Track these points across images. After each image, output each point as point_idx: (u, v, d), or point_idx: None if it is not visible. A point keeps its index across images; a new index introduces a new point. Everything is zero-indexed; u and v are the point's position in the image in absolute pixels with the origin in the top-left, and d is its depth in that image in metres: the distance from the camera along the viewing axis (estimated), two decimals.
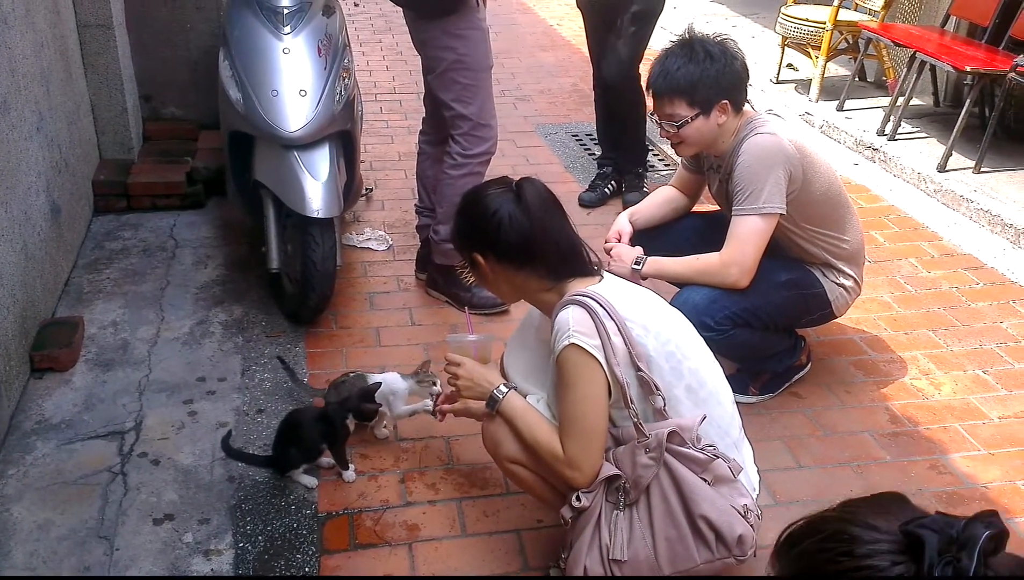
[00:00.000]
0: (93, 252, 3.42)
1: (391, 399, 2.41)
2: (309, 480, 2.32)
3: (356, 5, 7.58)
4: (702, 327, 2.00)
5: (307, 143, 2.82)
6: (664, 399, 1.79)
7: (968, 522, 0.80)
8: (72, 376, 2.70)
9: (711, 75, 2.38)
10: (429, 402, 2.43)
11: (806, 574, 0.87)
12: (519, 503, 2.26)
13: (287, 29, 2.90)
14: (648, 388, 1.78)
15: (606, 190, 3.99)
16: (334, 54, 2.96)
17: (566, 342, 1.76)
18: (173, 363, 2.79)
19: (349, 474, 2.34)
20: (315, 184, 2.79)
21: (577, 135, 4.86)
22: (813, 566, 0.87)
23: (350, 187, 3.16)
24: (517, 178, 1.96)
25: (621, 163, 4.05)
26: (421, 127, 3.34)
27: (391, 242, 3.61)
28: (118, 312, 3.04)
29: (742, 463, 1.86)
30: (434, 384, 2.42)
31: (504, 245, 1.88)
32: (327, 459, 2.35)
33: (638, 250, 2.59)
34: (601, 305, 1.78)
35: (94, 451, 2.39)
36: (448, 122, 3.00)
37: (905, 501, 0.90)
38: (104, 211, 3.71)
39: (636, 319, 1.80)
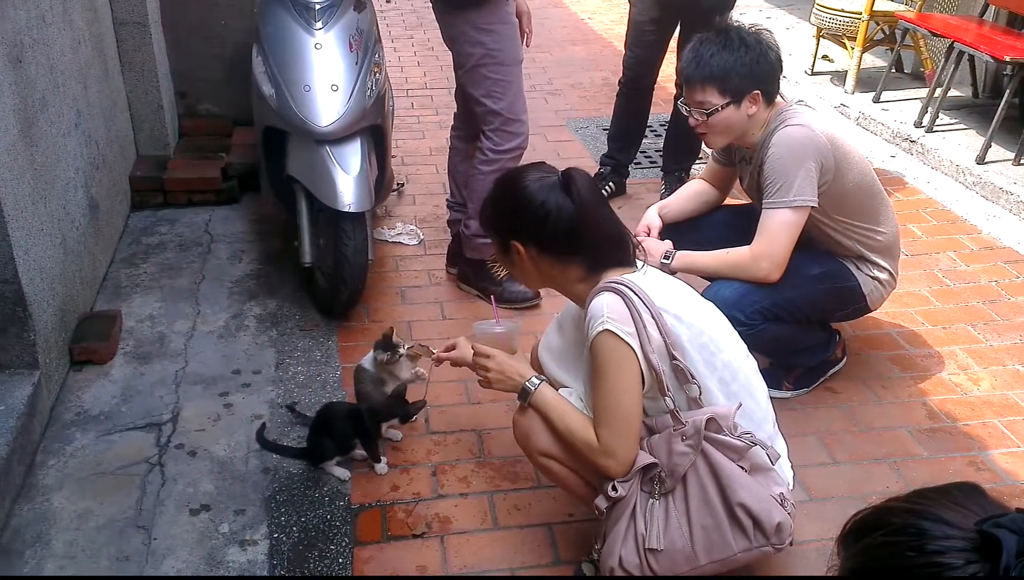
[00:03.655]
0: (130, 247, 3.47)
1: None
2: (342, 472, 2.34)
3: (388, 1, 7.61)
4: (733, 321, 1.98)
5: (339, 138, 2.84)
6: (700, 388, 1.78)
7: None
8: (110, 369, 2.74)
9: (745, 64, 2.36)
10: (422, 370, 2.44)
11: (871, 568, 0.82)
12: (550, 497, 2.26)
13: (319, 25, 2.92)
14: (683, 377, 1.77)
15: (604, 191, 3.92)
16: (365, 49, 2.97)
17: (600, 328, 1.75)
18: (209, 356, 2.83)
19: (381, 467, 2.35)
20: (347, 178, 2.81)
21: (607, 129, 4.82)
22: (879, 559, 0.81)
23: (381, 182, 3.17)
24: (543, 165, 1.95)
25: (667, 162, 4.02)
26: (452, 122, 3.34)
27: (422, 237, 3.62)
28: (155, 306, 3.09)
29: (778, 452, 1.85)
30: (400, 352, 2.40)
31: (550, 236, 1.86)
32: (360, 452, 2.37)
33: (668, 244, 2.57)
34: (636, 293, 1.78)
35: (132, 442, 2.43)
36: (479, 117, 3.00)
37: (980, 493, 0.84)
38: (141, 206, 3.77)
39: (670, 309, 1.79)
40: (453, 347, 2.20)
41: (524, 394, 1.93)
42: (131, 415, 2.54)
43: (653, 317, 1.77)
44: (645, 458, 1.80)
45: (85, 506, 2.21)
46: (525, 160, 3.05)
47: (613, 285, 1.81)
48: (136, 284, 3.22)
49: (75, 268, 2.88)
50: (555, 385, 1.97)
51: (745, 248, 2.45)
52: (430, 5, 3.00)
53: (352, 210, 2.79)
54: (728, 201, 2.84)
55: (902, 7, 5.16)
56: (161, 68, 3.93)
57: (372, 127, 3.00)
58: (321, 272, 3.04)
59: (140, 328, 2.96)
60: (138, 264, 3.35)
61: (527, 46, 3.17)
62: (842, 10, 5.18)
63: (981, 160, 4.12)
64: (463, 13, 2.86)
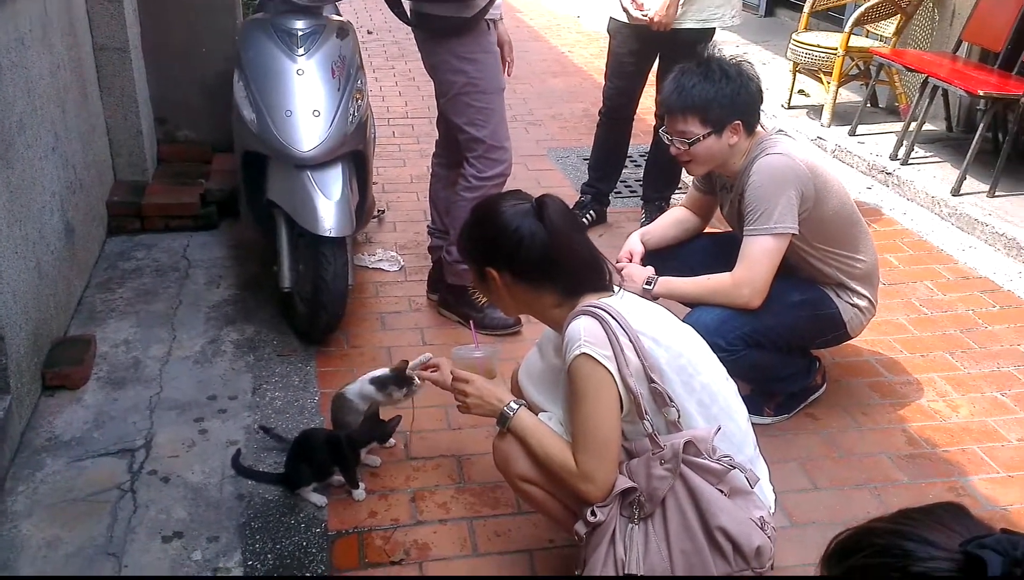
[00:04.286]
0: (106, 272, 3.44)
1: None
2: (319, 498, 2.30)
3: (369, 33, 7.67)
4: (715, 347, 1.98)
5: (320, 163, 2.83)
6: (678, 411, 1.77)
7: None
8: (83, 394, 2.70)
9: (726, 95, 2.38)
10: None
11: None
12: (531, 523, 2.24)
13: (301, 51, 2.92)
14: (661, 400, 1.76)
15: (584, 220, 3.95)
16: (347, 76, 2.98)
17: (577, 352, 1.75)
18: (184, 381, 2.79)
19: (359, 493, 2.32)
20: (328, 203, 2.80)
21: (588, 159, 4.86)
22: None
23: (362, 207, 3.16)
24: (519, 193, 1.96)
25: (647, 191, 4.05)
26: (435, 150, 3.35)
27: (403, 263, 3.61)
28: (130, 331, 3.05)
29: (758, 475, 1.84)
30: (403, 388, 2.37)
31: (524, 262, 1.86)
32: (338, 478, 2.33)
33: (649, 270, 2.58)
34: (613, 317, 1.77)
35: (104, 468, 2.38)
36: (462, 145, 3.01)
37: (965, 513, 0.83)
38: (118, 232, 3.73)
39: (647, 332, 1.79)
40: (436, 367, 2.19)
41: (503, 419, 1.91)
42: (103, 441, 2.49)
43: (630, 340, 1.76)
44: (624, 482, 1.78)
45: (54, 533, 2.15)
46: (507, 188, 3.08)
47: (590, 309, 1.81)
48: (111, 309, 3.18)
49: (49, 292, 2.84)
50: (535, 410, 1.95)
51: (726, 274, 2.46)
52: (411, 36, 3.02)
53: (333, 235, 2.78)
54: (709, 229, 2.85)
55: (877, 43, 5.26)
56: (140, 94, 3.91)
57: (354, 153, 3.00)
58: (300, 298, 3.02)
59: (114, 353, 2.91)
60: (114, 289, 3.31)
61: (509, 75, 3.19)
62: (818, 46, 5.26)
63: (956, 192, 4.18)
64: (445, 42, 2.88)
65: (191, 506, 2.27)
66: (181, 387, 2.76)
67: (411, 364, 2.37)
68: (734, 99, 2.39)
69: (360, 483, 2.33)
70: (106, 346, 2.94)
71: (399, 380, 2.35)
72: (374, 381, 2.38)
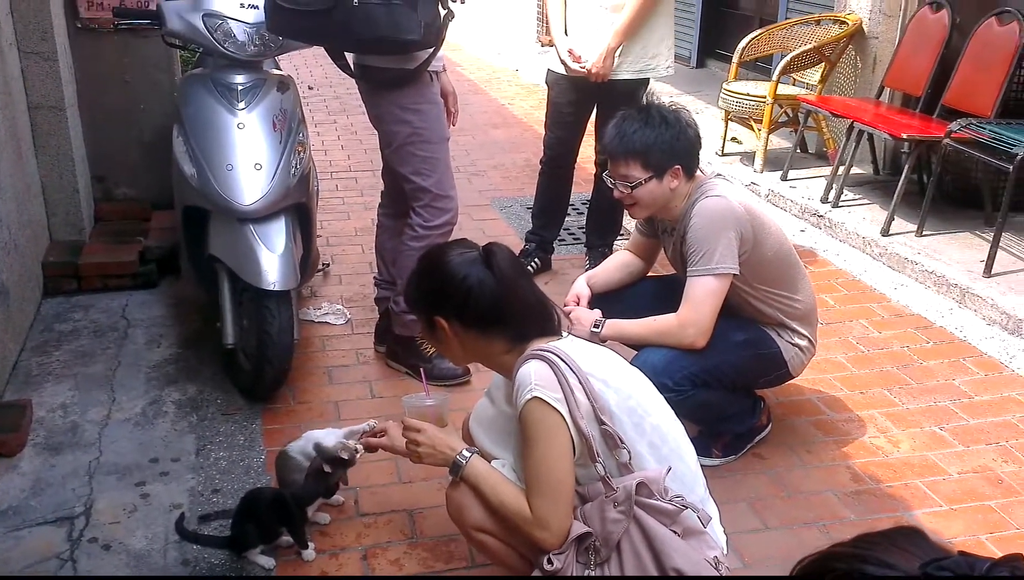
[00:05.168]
0: (42, 334, 3.35)
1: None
2: (267, 561, 2.24)
3: (310, 88, 7.70)
4: (662, 388, 2.01)
5: (263, 216, 2.82)
6: (629, 453, 1.78)
7: (992, 565, 0.75)
8: (19, 461, 2.60)
9: (666, 140, 2.45)
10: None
11: None
12: (486, 576, 2.21)
13: (242, 105, 2.92)
14: (613, 442, 1.77)
15: (530, 267, 3.98)
16: (289, 129, 2.98)
17: (528, 396, 1.75)
18: (124, 444, 2.71)
19: (309, 553, 2.26)
20: (271, 257, 2.78)
21: (531, 207, 4.92)
22: None
23: (307, 261, 3.15)
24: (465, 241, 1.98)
25: (590, 238, 4.11)
26: (380, 201, 3.36)
27: (349, 316, 3.59)
28: (68, 394, 2.96)
29: (710, 514, 1.85)
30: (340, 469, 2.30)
31: (473, 310, 1.87)
32: (286, 538, 2.28)
33: (597, 313, 2.61)
34: (562, 359, 1.79)
35: (42, 538, 2.30)
36: (408, 194, 3.02)
37: (923, 537, 0.85)
38: (54, 293, 3.64)
39: (597, 374, 1.80)
40: (383, 432, 2.15)
41: (455, 468, 1.90)
42: (41, 509, 2.41)
43: (580, 382, 1.78)
44: (579, 528, 1.78)
45: None
46: (453, 237, 3.09)
47: (539, 352, 1.82)
48: (48, 372, 3.09)
49: None
50: (487, 457, 1.94)
51: (672, 315, 2.50)
52: (352, 91, 3.04)
53: (277, 289, 2.75)
54: (653, 272, 2.90)
55: (803, 91, 5.45)
56: (77, 152, 3.86)
57: (297, 206, 2.99)
58: (244, 354, 2.97)
59: (51, 417, 2.83)
60: (50, 351, 3.23)
61: (453, 125, 3.23)
62: (747, 94, 5.44)
63: (886, 232, 4.33)
64: (389, 94, 2.90)
65: (133, 574, 2.19)
66: (121, 451, 2.68)
67: (355, 430, 2.33)
68: (673, 144, 2.46)
69: (309, 543, 2.27)
70: (43, 410, 2.85)
71: (339, 462, 2.27)
72: (318, 450, 2.30)
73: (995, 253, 3.84)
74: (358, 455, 2.24)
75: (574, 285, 2.79)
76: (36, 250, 3.60)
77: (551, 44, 3.83)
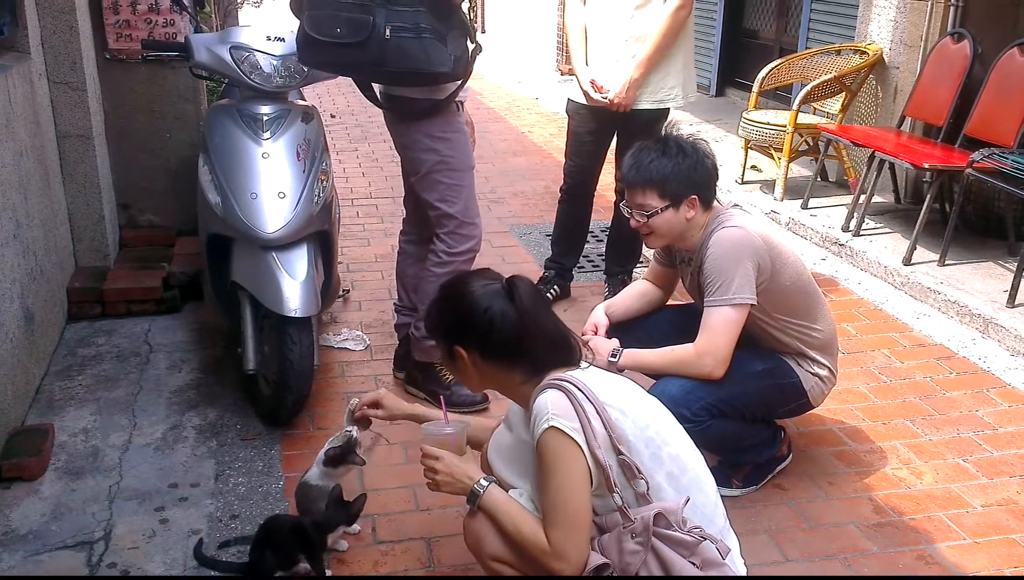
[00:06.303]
0: (66, 359, 3.38)
1: None
2: None
3: (332, 117, 7.79)
4: (679, 418, 2.00)
5: (285, 244, 2.85)
6: (647, 483, 1.77)
7: None
8: (41, 485, 2.63)
9: (682, 170, 2.46)
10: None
11: None
12: None
13: (267, 134, 2.97)
14: (631, 472, 1.76)
15: (549, 295, 4.00)
16: (312, 158, 3.02)
17: (545, 426, 1.75)
18: (144, 470, 2.73)
19: None
20: (293, 284, 2.80)
21: (550, 234, 4.93)
22: None
23: (328, 287, 3.17)
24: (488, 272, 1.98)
25: (609, 266, 4.12)
26: (402, 227, 3.38)
27: (368, 342, 3.60)
28: (89, 419, 2.99)
29: (729, 546, 1.83)
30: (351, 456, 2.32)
31: (494, 343, 1.88)
32: (304, 565, 2.28)
33: (615, 342, 2.61)
34: (579, 389, 1.79)
35: (62, 562, 2.31)
36: (433, 221, 3.05)
37: None
38: (78, 318, 3.69)
39: (614, 403, 1.80)
40: (376, 404, 2.17)
41: (473, 497, 1.90)
42: (61, 534, 2.42)
43: (597, 411, 1.78)
44: (597, 558, 1.77)
45: None
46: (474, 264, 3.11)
47: (556, 382, 1.82)
48: (70, 397, 3.12)
49: (7, 381, 2.79)
50: (505, 486, 1.94)
51: (689, 345, 2.50)
52: (373, 119, 3.08)
53: (298, 315, 2.77)
54: (671, 301, 2.90)
55: (824, 120, 5.45)
56: (103, 180, 3.93)
57: (319, 233, 3.02)
58: (265, 379, 2.99)
59: (73, 442, 2.85)
60: (73, 376, 3.26)
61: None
62: (768, 123, 5.45)
63: (907, 261, 4.30)
64: (417, 123, 2.94)
65: None
66: (141, 475, 2.70)
67: (345, 418, 2.34)
68: (690, 174, 2.47)
69: (327, 570, 2.27)
70: (65, 435, 2.88)
71: (345, 452, 2.31)
72: (326, 462, 2.33)
73: (1019, 283, 3.80)
74: (355, 434, 2.26)
75: (592, 314, 2.79)
76: (62, 276, 3.66)
77: (571, 73, 3.86)
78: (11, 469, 2.63)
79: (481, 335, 1.88)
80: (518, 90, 9.60)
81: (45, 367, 3.29)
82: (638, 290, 2.87)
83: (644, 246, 3.47)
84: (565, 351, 1.92)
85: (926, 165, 4.35)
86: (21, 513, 2.50)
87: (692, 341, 2.49)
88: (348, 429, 2.31)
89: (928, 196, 4.41)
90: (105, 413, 3.03)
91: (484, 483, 1.90)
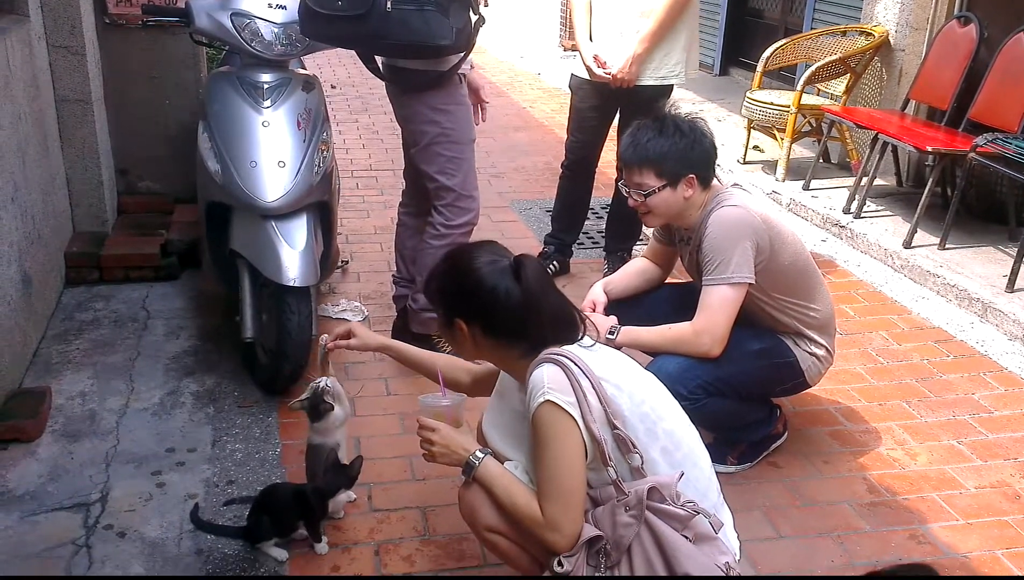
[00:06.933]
0: (63, 323, 3.38)
1: None
2: (280, 553, 2.25)
3: (333, 87, 7.74)
4: (675, 396, 2.00)
5: (285, 213, 2.84)
6: (642, 457, 1.78)
7: None
8: (37, 447, 2.63)
9: (680, 149, 2.45)
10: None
11: None
12: (497, 575, 2.21)
13: (267, 103, 2.95)
14: (625, 446, 1.77)
15: (549, 269, 3.99)
16: (313, 127, 3.00)
17: (541, 399, 1.75)
18: (142, 434, 2.73)
19: (322, 547, 2.27)
20: (292, 253, 2.80)
21: (551, 210, 4.92)
22: None
23: (327, 257, 3.17)
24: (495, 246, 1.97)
25: (609, 243, 4.12)
26: (401, 199, 3.37)
27: (367, 313, 3.60)
28: (87, 383, 2.99)
29: (723, 520, 1.84)
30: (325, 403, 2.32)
31: (499, 321, 1.88)
32: (300, 531, 2.29)
33: (612, 320, 2.61)
34: (576, 363, 1.79)
35: (58, 523, 2.32)
36: (432, 193, 3.04)
37: (934, 576, 0.84)
38: (76, 282, 3.68)
39: (610, 378, 1.80)
40: (347, 334, 2.19)
41: (468, 468, 1.91)
42: (58, 495, 2.43)
43: (593, 386, 1.78)
44: (590, 531, 1.78)
45: None
46: (472, 238, 3.10)
47: (552, 356, 1.82)
48: (68, 361, 3.12)
49: (4, 344, 2.79)
50: (500, 458, 1.95)
51: (687, 324, 2.49)
52: (374, 90, 3.06)
53: (297, 284, 2.77)
54: (670, 279, 2.90)
55: (827, 101, 5.43)
56: (102, 145, 3.90)
57: (319, 203, 3.01)
58: (262, 348, 2.99)
59: (70, 405, 2.86)
60: (70, 340, 3.26)
61: (483, 120, 3.26)
62: (771, 103, 5.42)
63: (908, 244, 4.30)
64: (419, 95, 2.92)
65: (148, 561, 2.21)
66: (138, 440, 2.70)
67: (320, 357, 2.35)
68: (687, 153, 2.46)
69: (323, 536, 2.29)
70: (62, 398, 2.88)
71: (314, 403, 2.31)
72: (310, 414, 2.33)
73: (1018, 268, 3.80)
74: (325, 383, 2.30)
75: (591, 291, 2.79)
76: (59, 241, 3.64)
77: (574, 49, 3.83)
78: (8, 431, 2.63)
79: (485, 312, 1.88)
80: (520, 65, 9.54)
81: (43, 331, 3.28)
82: (637, 268, 2.87)
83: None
84: (567, 330, 1.91)
85: (929, 148, 4.33)
86: (18, 474, 2.51)
87: (690, 319, 2.49)
88: (317, 381, 2.32)
89: (930, 180, 4.40)
90: (103, 377, 3.03)
91: (480, 455, 1.90)
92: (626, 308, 2.73)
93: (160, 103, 4.15)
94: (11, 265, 2.92)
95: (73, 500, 2.41)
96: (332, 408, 2.32)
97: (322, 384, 2.31)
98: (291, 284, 2.76)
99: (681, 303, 2.64)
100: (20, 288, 3.00)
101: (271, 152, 2.86)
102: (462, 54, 2.88)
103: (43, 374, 3.03)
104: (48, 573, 2.14)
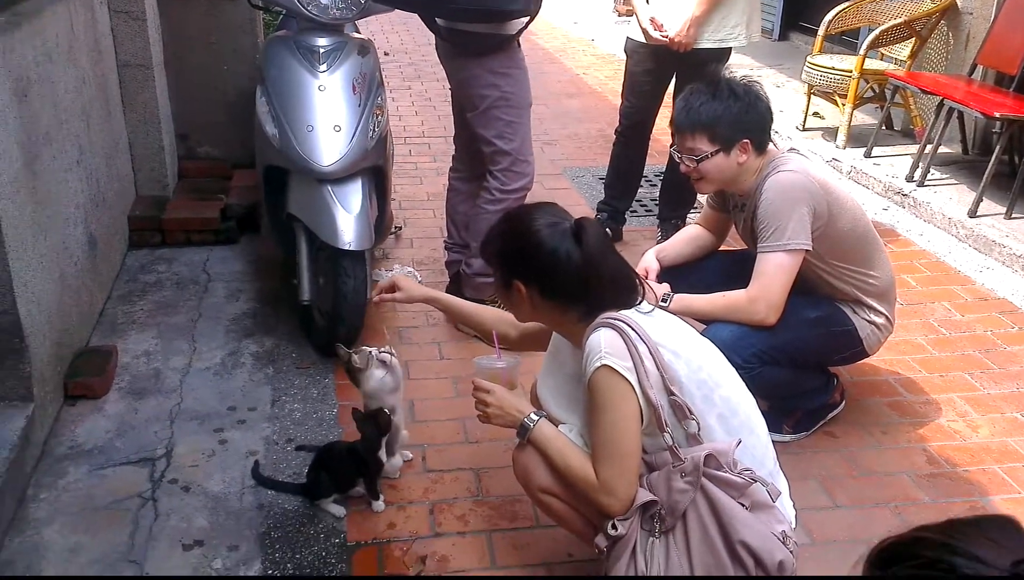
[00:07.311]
0: (127, 284, 3.47)
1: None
2: (337, 509, 2.31)
3: (386, 54, 7.75)
4: (730, 363, 1.98)
5: (341, 177, 2.86)
6: (698, 423, 1.77)
7: None
8: (105, 403, 2.72)
9: (733, 113, 2.40)
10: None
11: None
12: (549, 536, 2.24)
13: (323, 67, 2.96)
14: (682, 413, 1.76)
15: None
16: (368, 92, 3.01)
17: (598, 364, 1.75)
18: (204, 392, 2.81)
19: (379, 504, 2.32)
20: (347, 217, 2.83)
21: (603, 178, 4.88)
22: None
23: (381, 222, 3.19)
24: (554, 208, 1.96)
25: (662, 210, 4.08)
26: (452, 164, 3.37)
27: (420, 278, 3.63)
28: (151, 342, 3.07)
29: (779, 489, 1.83)
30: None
31: (558, 284, 1.87)
32: (358, 489, 2.34)
33: (665, 287, 2.58)
34: (633, 328, 1.78)
35: (125, 477, 2.40)
36: (487, 158, 3.04)
37: (1017, 529, 0.79)
38: (139, 245, 3.77)
39: (667, 344, 1.79)
40: (392, 287, 2.24)
41: (523, 430, 1.92)
42: (125, 450, 2.51)
43: (650, 351, 1.77)
44: (645, 495, 1.78)
45: (77, 540, 2.17)
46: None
47: (610, 321, 1.81)
48: (132, 321, 3.21)
49: (72, 303, 2.87)
50: (554, 421, 1.96)
51: (742, 291, 2.46)
52: (427, 57, 3.06)
53: (352, 248, 2.80)
54: (724, 246, 2.86)
55: (891, 66, 5.27)
56: (163, 110, 3.97)
57: (373, 168, 3.03)
58: (319, 311, 3.04)
59: (135, 364, 2.94)
60: (135, 301, 3.35)
61: None
62: (832, 68, 5.29)
63: (973, 213, 4.18)
64: (480, 58, 2.91)
65: (211, 515, 2.28)
66: (201, 398, 2.78)
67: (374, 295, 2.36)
68: (742, 117, 2.41)
69: (380, 494, 2.33)
70: (127, 357, 2.97)
71: (349, 370, 2.37)
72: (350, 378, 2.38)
73: None
74: (368, 351, 2.33)
75: (643, 258, 2.76)
76: (123, 204, 3.73)
77: (629, 14, 3.78)
78: (77, 387, 2.72)
79: (544, 274, 1.87)
80: (574, 31, 9.42)
81: (108, 292, 3.37)
82: (690, 235, 2.84)
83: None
84: (627, 294, 1.89)
85: (997, 115, 4.19)
86: (86, 429, 2.60)
87: (744, 287, 2.46)
88: (361, 349, 2.37)
89: (997, 147, 4.26)
90: (166, 337, 3.11)
91: (534, 417, 1.91)
92: (679, 275, 2.70)
93: (218, 69, 4.20)
94: (77, 226, 2.99)
95: (139, 455, 2.49)
96: (358, 376, 2.35)
97: (368, 352, 2.33)
98: (347, 248, 2.80)
99: (735, 271, 2.61)
100: (86, 249, 3.08)
101: (327, 116, 2.88)
102: (528, 18, 2.85)
103: (109, 334, 3.12)
104: (116, 524, 2.22)
